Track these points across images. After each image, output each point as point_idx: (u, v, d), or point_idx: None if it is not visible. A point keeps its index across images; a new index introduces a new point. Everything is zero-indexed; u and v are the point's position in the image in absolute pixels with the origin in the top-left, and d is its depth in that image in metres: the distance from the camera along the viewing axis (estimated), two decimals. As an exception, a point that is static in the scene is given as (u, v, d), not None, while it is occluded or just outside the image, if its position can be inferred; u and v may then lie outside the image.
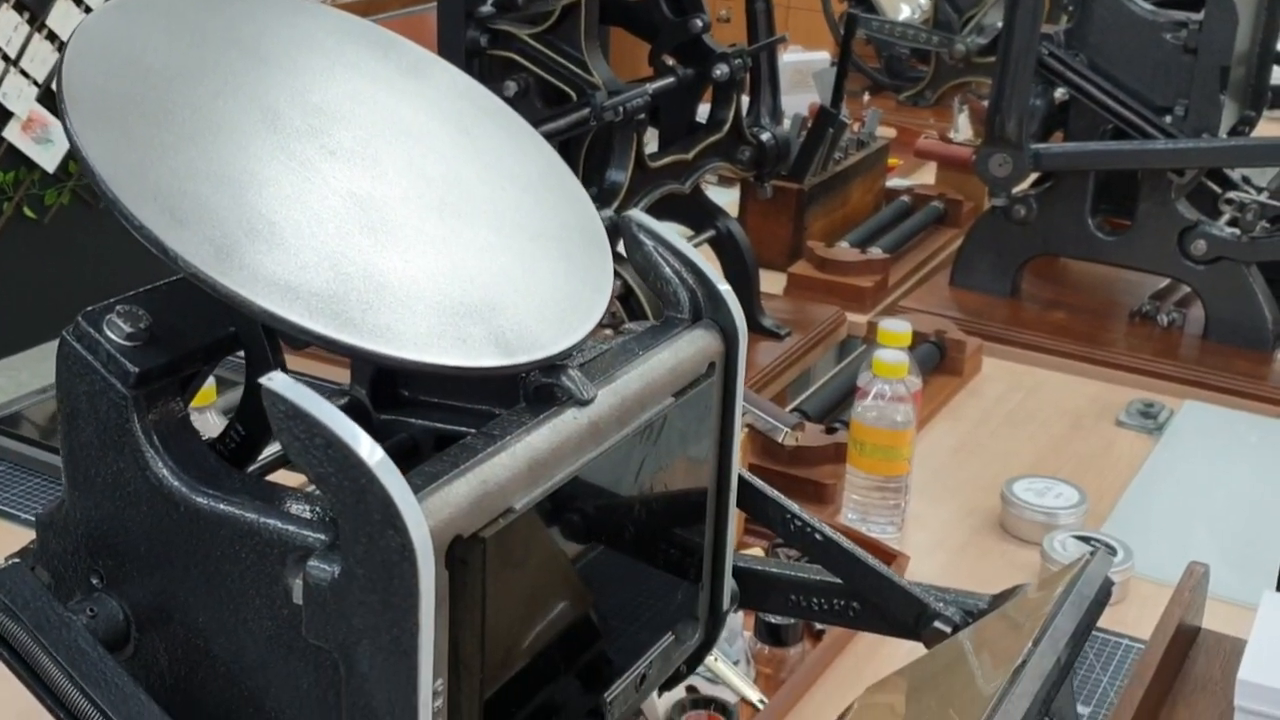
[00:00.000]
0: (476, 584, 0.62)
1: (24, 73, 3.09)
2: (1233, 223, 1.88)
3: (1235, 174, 1.96)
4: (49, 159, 3.16)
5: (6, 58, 3.05)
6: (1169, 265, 1.90)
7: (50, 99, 3.12)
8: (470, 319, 0.68)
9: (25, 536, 1.34)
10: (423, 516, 0.59)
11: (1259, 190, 1.91)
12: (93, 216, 3.25)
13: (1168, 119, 1.88)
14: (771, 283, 1.90)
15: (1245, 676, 0.75)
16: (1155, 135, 1.87)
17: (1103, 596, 0.80)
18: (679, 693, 1.05)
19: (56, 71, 0.67)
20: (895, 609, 0.86)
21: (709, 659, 0.93)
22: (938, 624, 0.85)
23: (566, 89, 1.48)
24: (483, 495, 0.63)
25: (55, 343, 0.68)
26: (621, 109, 1.47)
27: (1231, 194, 1.89)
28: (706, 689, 1.10)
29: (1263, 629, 0.80)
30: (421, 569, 0.58)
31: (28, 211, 3.17)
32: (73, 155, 3.22)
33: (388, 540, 0.58)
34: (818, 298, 1.91)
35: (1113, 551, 1.33)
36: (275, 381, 0.60)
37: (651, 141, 1.62)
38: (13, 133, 3.10)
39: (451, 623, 0.62)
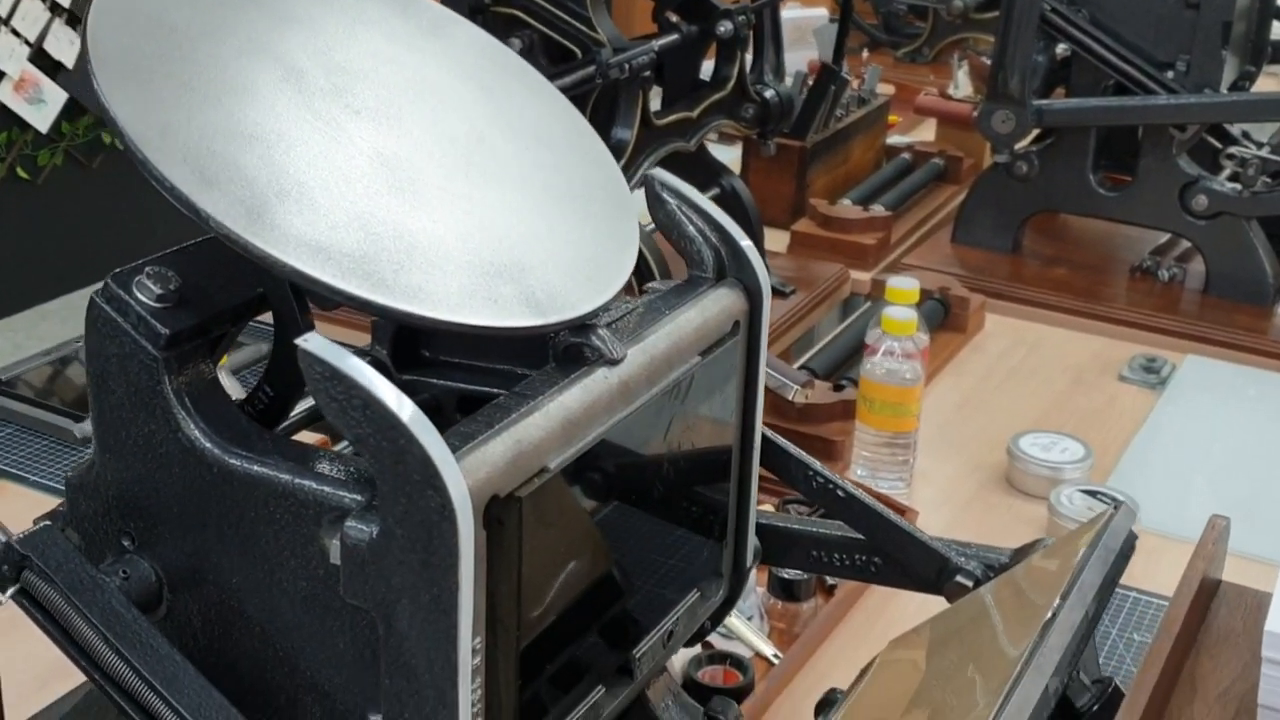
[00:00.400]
0: (513, 543, 0.63)
1: (15, 32, 3.06)
2: (1233, 178, 1.88)
3: (1236, 129, 1.96)
4: (41, 119, 3.14)
5: (-3, 17, 3.03)
6: (1170, 221, 1.90)
7: (42, 59, 3.09)
8: (501, 279, 0.68)
9: (32, 498, 1.35)
10: (461, 476, 0.59)
11: (1259, 145, 1.92)
12: (86, 177, 3.23)
13: (1169, 74, 1.88)
14: (775, 240, 1.90)
15: (1273, 628, 0.76)
16: (1157, 91, 1.87)
17: (1127, 550, 0.81)
18: (694, 648, 1.05)
19: (81, 32, 0.66)
20: (916, 564, 0.87)
21: (722, 615, 0.93)
22: (959, 578, 0.85)
23: (571, 46, 1.47)
24: (518, 455, 0.63)
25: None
26: (627, 66, 1.46)
27: (1232, 149, 1.89)
28: (721, 644, 1.11)
29: (1288, 581, 0.81)
30: (461, 528, 0.58)
31: (21, 172, 3.15)
32: (65, 116, 3.18)
33: (427, 500, 0.58)
34: (821, 255, 1.91)
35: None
36: (311, 343, 0.59)
37: (655, 99, 1.61)
38: (5, 93, 3.07)
39: (489, 581, 0.62)
